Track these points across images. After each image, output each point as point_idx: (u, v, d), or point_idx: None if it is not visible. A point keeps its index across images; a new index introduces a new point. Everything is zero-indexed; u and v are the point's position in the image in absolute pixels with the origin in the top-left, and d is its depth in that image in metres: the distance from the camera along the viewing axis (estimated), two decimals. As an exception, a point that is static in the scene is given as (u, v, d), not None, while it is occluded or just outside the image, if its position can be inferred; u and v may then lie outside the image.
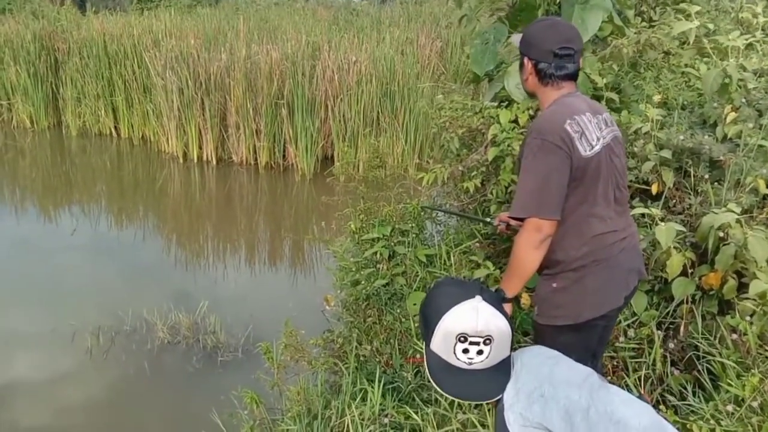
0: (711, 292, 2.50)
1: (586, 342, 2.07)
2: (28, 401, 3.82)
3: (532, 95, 2.22)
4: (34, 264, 5.69)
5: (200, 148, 8.63)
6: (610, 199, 1.98)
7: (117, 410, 3.76)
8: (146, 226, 6.97)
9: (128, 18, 11.34)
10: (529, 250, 1.94)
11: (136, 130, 9.61)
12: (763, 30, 3.68)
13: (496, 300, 1.56)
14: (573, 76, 2.06)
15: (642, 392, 2.38)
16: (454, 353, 1.48)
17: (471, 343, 1.46)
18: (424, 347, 1.55)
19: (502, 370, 1.52)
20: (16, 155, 9.15)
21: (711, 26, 3.45)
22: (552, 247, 1.99)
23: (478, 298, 1.50)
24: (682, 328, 2.51)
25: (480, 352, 1.47)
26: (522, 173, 1.96)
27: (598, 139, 1.95)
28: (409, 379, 2.94)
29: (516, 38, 2.19)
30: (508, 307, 2.07)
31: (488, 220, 2.69)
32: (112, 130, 9.93)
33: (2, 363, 4.16)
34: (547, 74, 2.05)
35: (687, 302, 2.54)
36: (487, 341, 1.47)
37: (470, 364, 1.48)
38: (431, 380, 1.52)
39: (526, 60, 2.11)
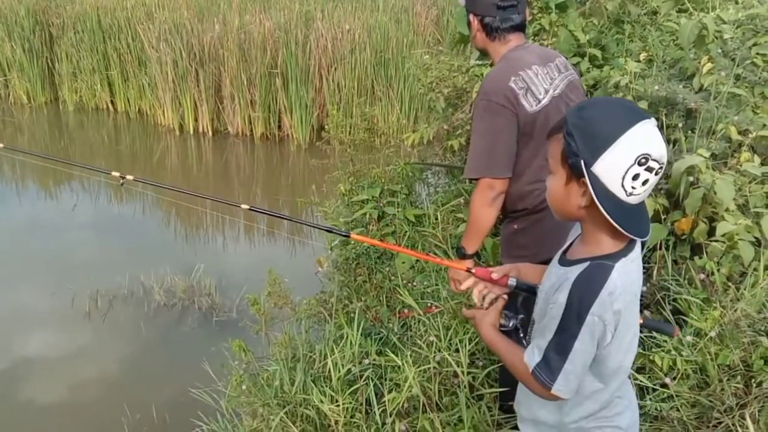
0: (683, 237, 2.57)
1: None
2: (27, 363, 3.94)
3: (483, 53, 2.23)
4: (36, 239, 5.74)
5: (196, 120, 8.64)
6: None
7: (112, 368, 3.88)
8: (145, 199, 7.02)
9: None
10: (484, 207, 2.04)
11: (133, 104, 9.60)
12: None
13: None
14: (520, 27, 2.08)
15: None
16: (623, 178, 1.20)
17: (647, 169, 1.20)
18: (578, 169, 1.22)
19: (645, 213, 1.30)
20: (14, 131, 9.17)
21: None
22: (513, 198, 2.08)
23: (653, 120, 1.23)
24: (654, 272, 2.58)
25: (645, 183, 1.22)
26: (472, 135, 2.03)
27: (546, 92, 2.00)
28: (396, 329, 3.03)
29: None
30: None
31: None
32: (109, 104, 9.93)
33: (3, 329, 4.28)
34: (492, 28, 2.06)
35: (660, 248, 2.61)
36: (659, 172, 1.22)
37: (629, 194, 1.22)
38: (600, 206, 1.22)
39: (471, 17, 2.12)
